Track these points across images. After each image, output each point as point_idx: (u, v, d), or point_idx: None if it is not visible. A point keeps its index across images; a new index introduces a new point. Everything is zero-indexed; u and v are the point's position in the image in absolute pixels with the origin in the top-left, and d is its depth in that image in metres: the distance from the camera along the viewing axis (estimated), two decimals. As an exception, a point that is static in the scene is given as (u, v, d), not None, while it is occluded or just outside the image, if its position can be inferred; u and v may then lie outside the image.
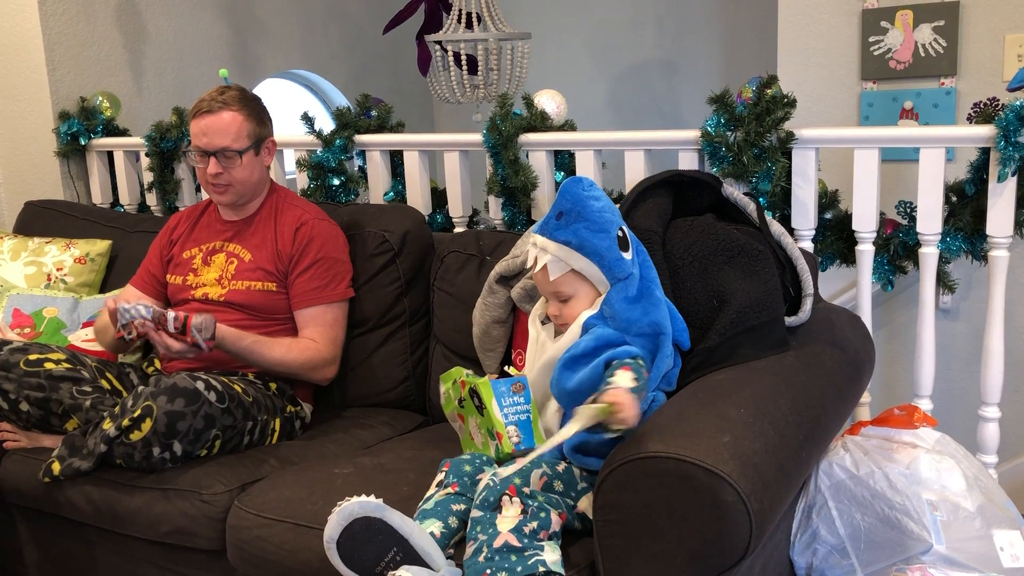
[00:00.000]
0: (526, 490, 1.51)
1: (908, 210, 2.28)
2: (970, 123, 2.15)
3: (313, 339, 2.24)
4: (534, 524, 1.47)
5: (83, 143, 3.24)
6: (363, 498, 1.47)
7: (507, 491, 1.49)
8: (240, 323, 2.22)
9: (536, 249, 1.72)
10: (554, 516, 1.50)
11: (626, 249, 1.70)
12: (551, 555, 1.45)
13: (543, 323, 1.84)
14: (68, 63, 3.28)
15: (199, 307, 2.27)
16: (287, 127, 3.07)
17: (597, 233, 1.66)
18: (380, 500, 1.48)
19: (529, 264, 1.75)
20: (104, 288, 2.80)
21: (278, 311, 2.28)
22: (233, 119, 2.21)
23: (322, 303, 2.26)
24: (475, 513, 1.51)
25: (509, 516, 1.47)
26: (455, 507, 1.59)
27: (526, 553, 1.44)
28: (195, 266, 2.33)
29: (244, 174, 2.24)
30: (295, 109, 3.23)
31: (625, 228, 1.73)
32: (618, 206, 1.97)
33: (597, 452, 1.56)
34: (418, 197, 2.75)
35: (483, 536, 1.47)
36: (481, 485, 1.54)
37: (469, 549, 1.48)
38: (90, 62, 3.35)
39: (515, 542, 1.44)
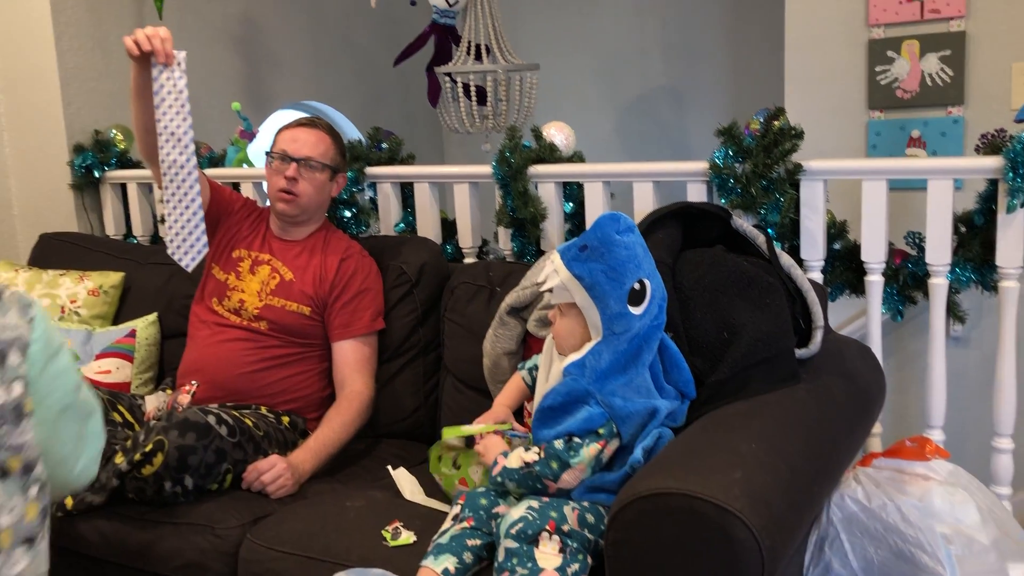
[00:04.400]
0: (564, 527, 1.52)
1: (917, 240, 2.28)
2: (978, 154, 2.16)
3: (356, 389, 2.28)
4: (575, 567, 1.50)
5: (97, 176, 3.27)
6: (365, 571, 1.48)
7: (547, 526, 1.50)
8: (265, 341, 2.26)
9: (551, 268, 1.69)
10: (589, 560, 1.53)
11: (638, 303, 1.62)
12: None
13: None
14: (83, 97, 3.32)
15: (219, 330, 2.30)
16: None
17: (611, 280, 1.60)
18: (382, 571, 1.49)
19: (540, 278, 1.73)
20: (117, 320, 2.82)
21: (306, 335, 2.30)
22: (323, 139, 2.35)
23: (360, 335, 2.32)
24: (509, 543, 1.51)
25: (548, 553, 1.49)
26: (470, 542, 1.59)
27: None
28: (240, 270, 2.36)
29: (313, 189, 2.32)
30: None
31: (648, 281, 1.64)
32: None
33: (612, 491, 1.56)
34: (429, 228, 2.77)
35: (522, 570, 1.48)
36: (516, 514, 1.53)
37: None
38: (104, 96, 3.39)
39: None
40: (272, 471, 2.01)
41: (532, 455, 1.62)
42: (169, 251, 2.04)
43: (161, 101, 1.99)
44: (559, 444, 1.60)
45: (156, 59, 2.00)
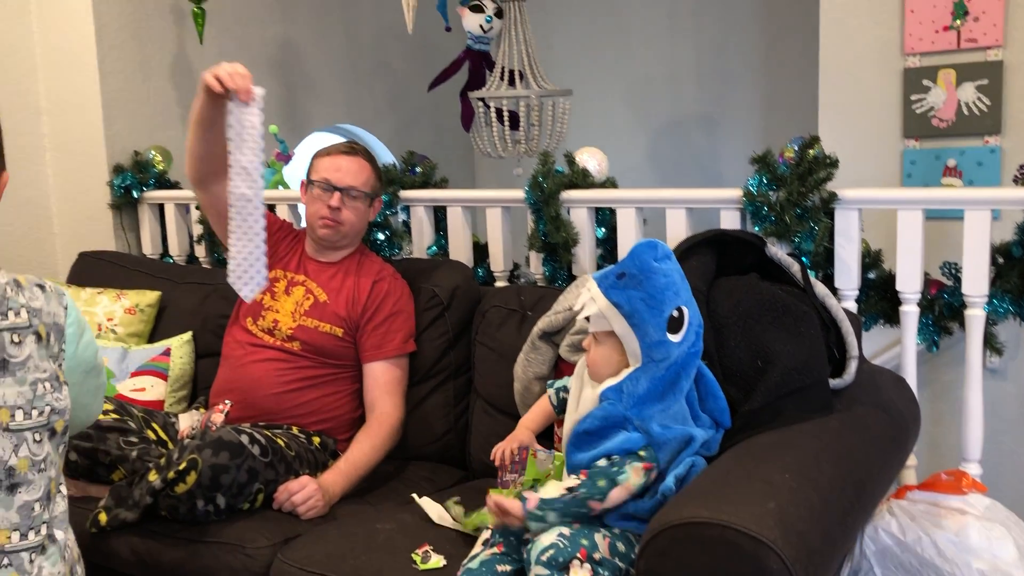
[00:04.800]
0: (596, 555, 1.51)
1: (953, 271, 2.26)
2: (1016, 184, 2.14)
3: (386, 411, 2.29)
4: None
5: (135, 196, 3.33)
6: None
7: (578, 554, 1.49)
8: (298, 362, 2.28)
9: (588, 296, 1.69)
10: None
11: (676, 331, 1.62)
12: None
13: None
14: (124, 119, 3.39)
15: (250, 348, 2.33)
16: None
17: (650, 308, 1.60)
18: None
19: (577, 307, 1.73)
20: (153, 338, 2.86)
21: (337, 356, 2.32)
22: (364, 167, 2.38)
23: (391, 356, 2.34)
24: (540, 570, 1.50)
25: None
26: (500, 568, 1.59)
27: None
28: (276, 290, 2.39)
29: (356, 217, 2.37)
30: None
31: (686, 309, 1.64)
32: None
33: (643, 519, 1.56)
34: (461, 251, 2.79)
35: None
36: (547, 541, 1.52)
37: None
38: (145, 118, 3.46)
39: None
40: (303, 492, 2.02)
41: (572, 481, 1.59)
42: (230, 280, 2.06)
43: (236, 135, 2.01)
44: (602, 463, 1.59)
45: (238, 97, 2.01)
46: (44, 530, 1.34)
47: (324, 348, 2.30)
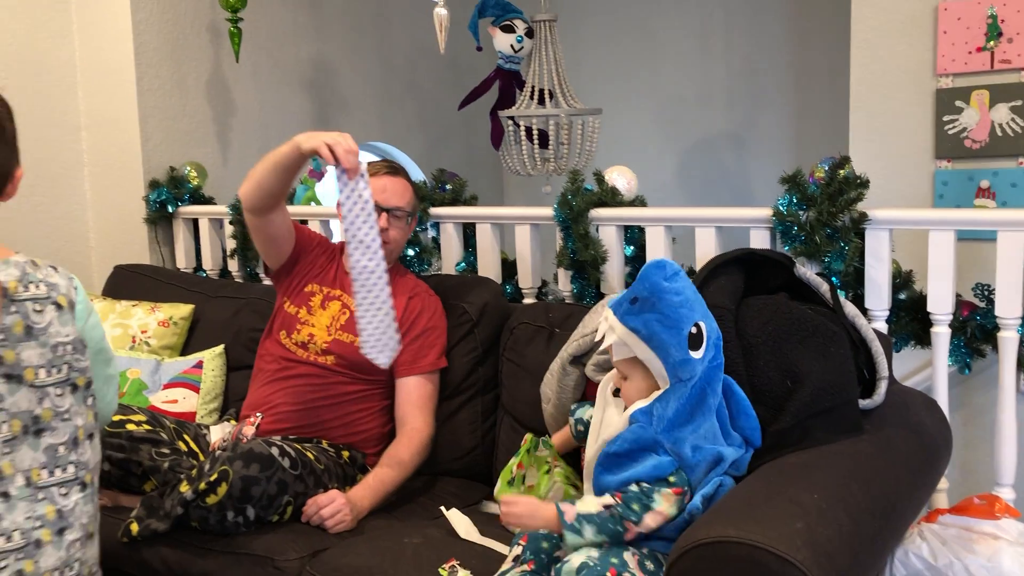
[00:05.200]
0: (626, 575, 1.50)
1: (986, 292, 2.24)
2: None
3: (417, 426, 2.30)
4: None
5: (171, 210, 3.39)
6: None
7: (608, 574, 1.49)
8: (331, 378, 2.30)
9: (606, 325, 1.69)
10: None
11: (697, 347, 1.61)
12: None
13: (614, 394, 1.83)
14: (160, 134, 3.45)
15: (287, 365, 2.36)
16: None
17: (668, 328, 1.59)
18: None
19: (598, 338, 1.74)
20: (185, 351, 2.90)
21: (370, 372, 2.33)
22: (406, 187, 2.42)
23: (425, 372, 2.35)
24: None
25: None
26: (530, 585, 1.59)
27: None
28: (312, 304, 2.41)
29: (401, 236, 2.41)
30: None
31: (703, 323, 1.64)
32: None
33: (667, 537, 1.56)
34: (489, 268, 2.81)
35: None
36: (577, 561, 1.52)
37: None
38: (180, 134, 3.52)
39: None
40: (331, 506, 2.04)
41: (608, 499, 1.59)
42: (363, 351, 2.09)
43: (348, 211, 2.03)
44: (635, 488, 1.58)
45: (347, 176, 2.02)
46: (72, 469, 1.55)
47: (358, 363, 2.32)
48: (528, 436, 2.08)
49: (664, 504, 1.56)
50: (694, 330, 1.61)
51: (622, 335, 1.63)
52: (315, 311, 2.40)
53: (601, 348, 1.73)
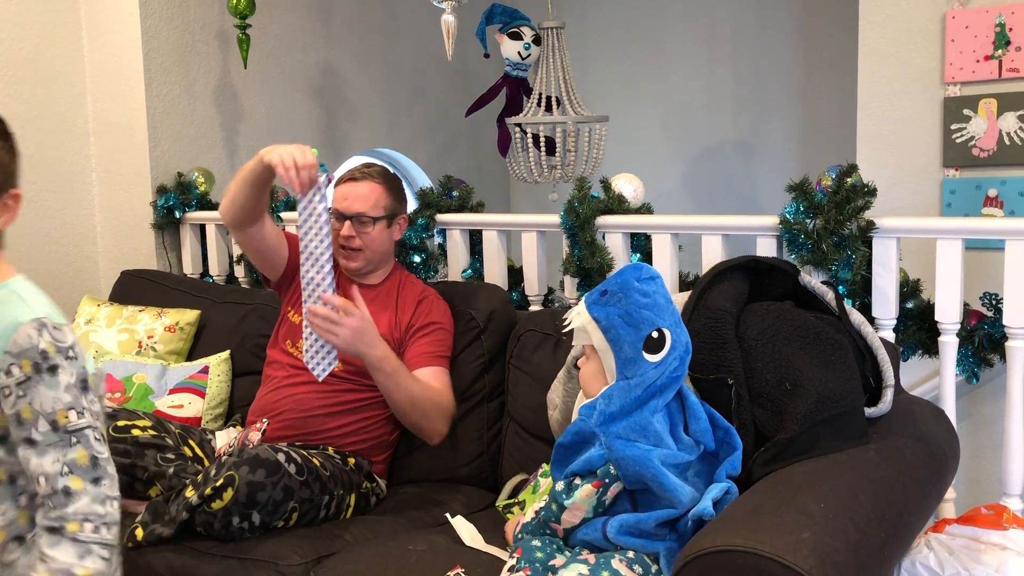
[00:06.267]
0: None
1: (994, 302, 2.23)
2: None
3: (443, 392, 2.30)
4: None
5: (178, 216, 3.39)
6: None
7: None
8: (338, 386, 2.30)
9: (575, 310, 1.76)
10: None
11: (655, 351, 1.64)
12: None
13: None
14: (168, 140, 3.46)
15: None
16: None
17: (627, 325, 1.64)
18: None
19: (566, 319, 1.79)
20: (191, 356, 2.90)
21: None
22: (373, 190, 2.37)
23: (439, 365, 2.34)
24: None
25: None
26: (526, 593, 1.59)
27: None
28: None
29: (374, 241, 2.37)
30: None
31: (668, 332, 1.65)
32: (692, 288, 1.99)
33: (646, 535, 1.58)
34: (496, 275, 2.81)
35: None
36: (570, 573, 1.53)
37: None
38: (188, 140, 3.53)
39: None
40: (345, 320, 2.06)
41: (541, 502, 1.70)
42: (304, 359, 2.17)
43: (302, 224, 2.08)
44: (560, 486, 1.66)
45: (295, 191, 2.08)
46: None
47: (364, 370, 2.31)
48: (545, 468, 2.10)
49: (580, 497, 1.62)
50: (655, 334, 1.64)
51: (584, 322, 1.71)
52: None
53: (564, 330, 1.77)
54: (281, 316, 2.48)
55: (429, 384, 2.27)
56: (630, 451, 1.59)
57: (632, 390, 1.62)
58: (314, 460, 2.11)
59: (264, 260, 2.44)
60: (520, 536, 1.70)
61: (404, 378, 2.20)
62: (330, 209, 2.17)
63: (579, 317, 1.72)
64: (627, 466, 1.59)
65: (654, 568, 1.58)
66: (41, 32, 3.36)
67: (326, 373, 2.18)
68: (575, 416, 1.74)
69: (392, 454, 2.41)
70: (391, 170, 2.50)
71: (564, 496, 1.64)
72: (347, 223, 2.34)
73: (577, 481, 1.64)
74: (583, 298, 1.75)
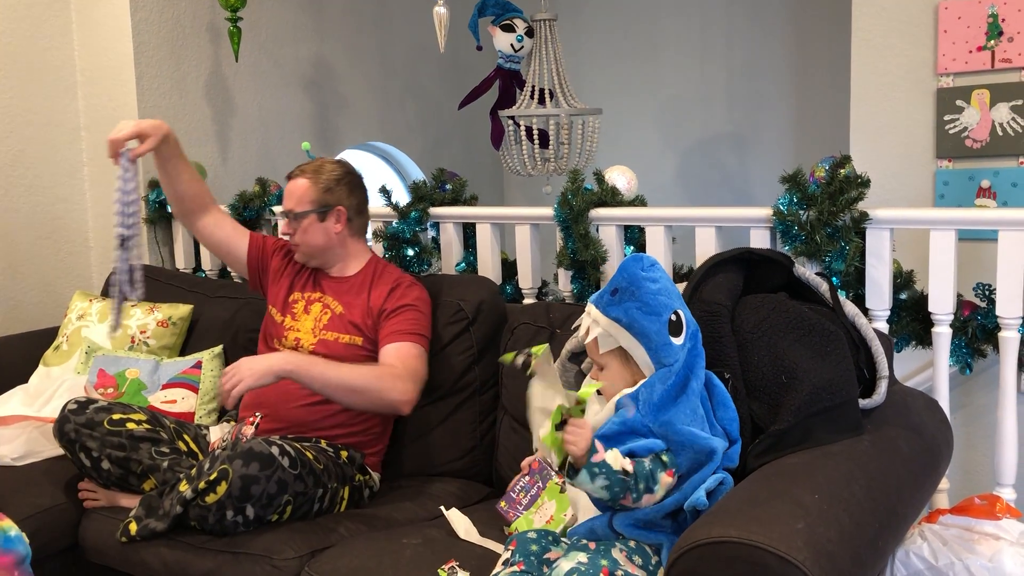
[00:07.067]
0: (619, 573, 1.50)
1: (987, 292, 2.23)
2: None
3: (392, 364, 2.24)
4: None
5: (170, 210, 3.37)
6: None
7: (600, 575, 1.49)
8: None
9: (589, 319, 1.73)
10: None
11: (677, 333, 1.67)
12: None
13: (598, 392, 1.83)
14: (160, 135, 3.44)
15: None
16: (364, 198, 3.15)
17: (648, 315, 1.65)
18: None
19: (581, 334, 1.77)
20: (184, 351, 2.89)
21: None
22: (299, 186, 2.40)
23: (404, 341, 2.28)
24: None
25: None
26: (521, 585, 1.58)
27: None
28: (296, 311, 2.42)
29: (306, 236, 2.39)
30: (372, 180, 3.32)
31: (682, 312, 1.69)
32: (687, 280, 1.99)
33: (650, 526, 1.57)
34: (489, 268, 2.80)
35: None
36: (566, 567, 1.52)
37: None
38: (180, 133, 3.46)
39: None
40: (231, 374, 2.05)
41: (629, 465, 1.58)
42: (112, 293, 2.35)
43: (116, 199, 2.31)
44: (647, 465, 1.58)
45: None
46: None
47: (346, 359, 2.30)
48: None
49: (660, 491, 1.59)
50: (674, 317, 1.67)
51: (606, 326, 1.68)
52: (299, 316, 2.41)
53: (586, 343, 1.75)
54: (266, 315, 2.49)
55: (372, 366, 2.22)
56: (691, 437, 1.61)
57: (670, 376, 1.64)
58: (307, 453, 2.10)
59: (224, 254, 2.57)
60: (598, 471, 1.53)
61: (339, 372, 2.16)
62: (135, 187, 2.35)
63: (598, 324, 1.69)
64: (690, 451, 1.60)
65: (654, 559, 1.58)
66: (31, 26, 3.34)
67: (136, 293, 2.30)
68: (604, 409, 1.69)
69: (385, 447, 2.41)
70: (342, 165, 2.45)
71: (654, 483, 1.58)
72: (284, 220, 2.42)
73: (649, 466, 1.58)
74: (592, 305, 1.72)
